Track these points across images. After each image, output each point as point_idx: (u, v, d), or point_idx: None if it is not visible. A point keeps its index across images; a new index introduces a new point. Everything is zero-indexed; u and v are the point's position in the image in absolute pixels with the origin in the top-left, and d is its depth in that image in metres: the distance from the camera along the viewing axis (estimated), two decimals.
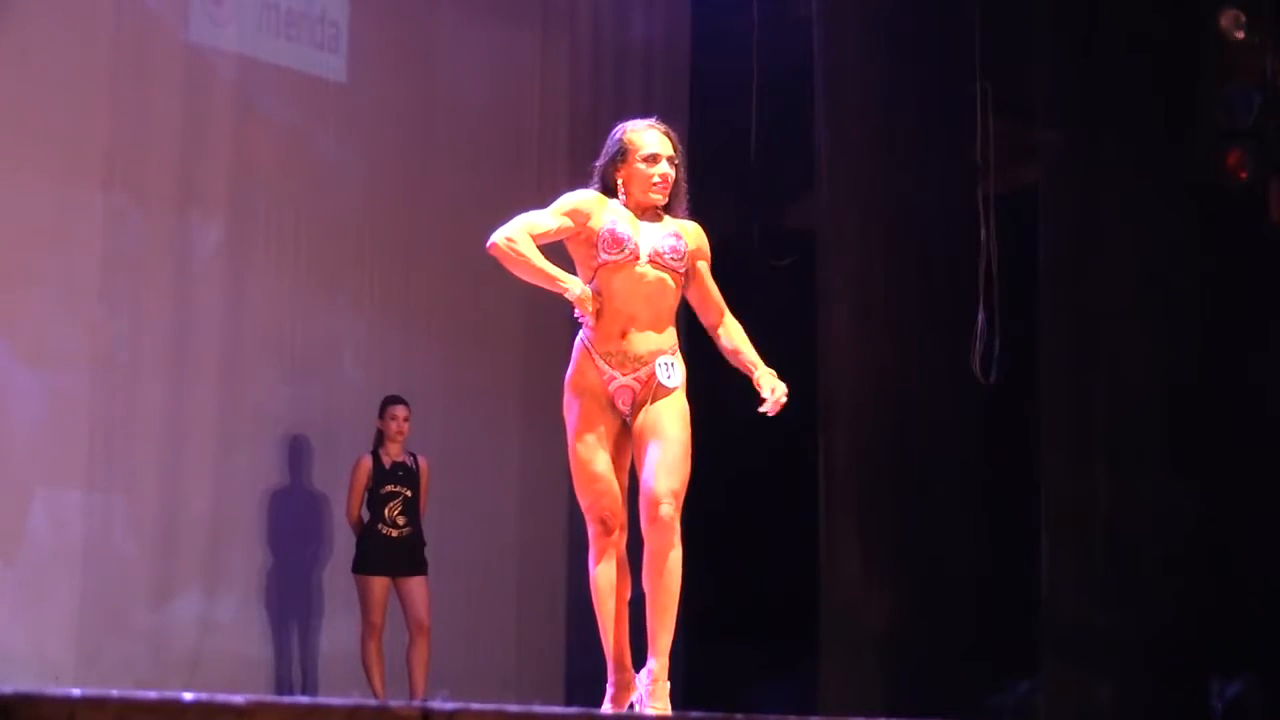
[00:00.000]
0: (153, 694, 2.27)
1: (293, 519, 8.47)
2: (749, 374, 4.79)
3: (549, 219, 4.71)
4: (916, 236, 8.82)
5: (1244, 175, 7.91)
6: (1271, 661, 7.85)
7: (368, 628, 7.83)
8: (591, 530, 4.67)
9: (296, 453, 8.50)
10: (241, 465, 8.26)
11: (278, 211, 8.55)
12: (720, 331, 4.85)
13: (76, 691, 2.20)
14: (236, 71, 8.46)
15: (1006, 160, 8.72)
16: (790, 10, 9.63)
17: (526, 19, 9.65)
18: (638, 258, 4.64)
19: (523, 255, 4.64)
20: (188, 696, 2.29)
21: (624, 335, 4.64)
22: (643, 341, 4.65)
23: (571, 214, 4.71)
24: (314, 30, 8.83)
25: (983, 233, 8.62)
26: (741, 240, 9.23)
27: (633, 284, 4.65)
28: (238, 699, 2.31)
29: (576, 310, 4.66)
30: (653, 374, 4.65)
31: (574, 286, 4.62)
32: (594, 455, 4.62)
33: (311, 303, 8.58)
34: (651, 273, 4.66)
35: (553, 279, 4.64)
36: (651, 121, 4.79)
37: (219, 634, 8.09)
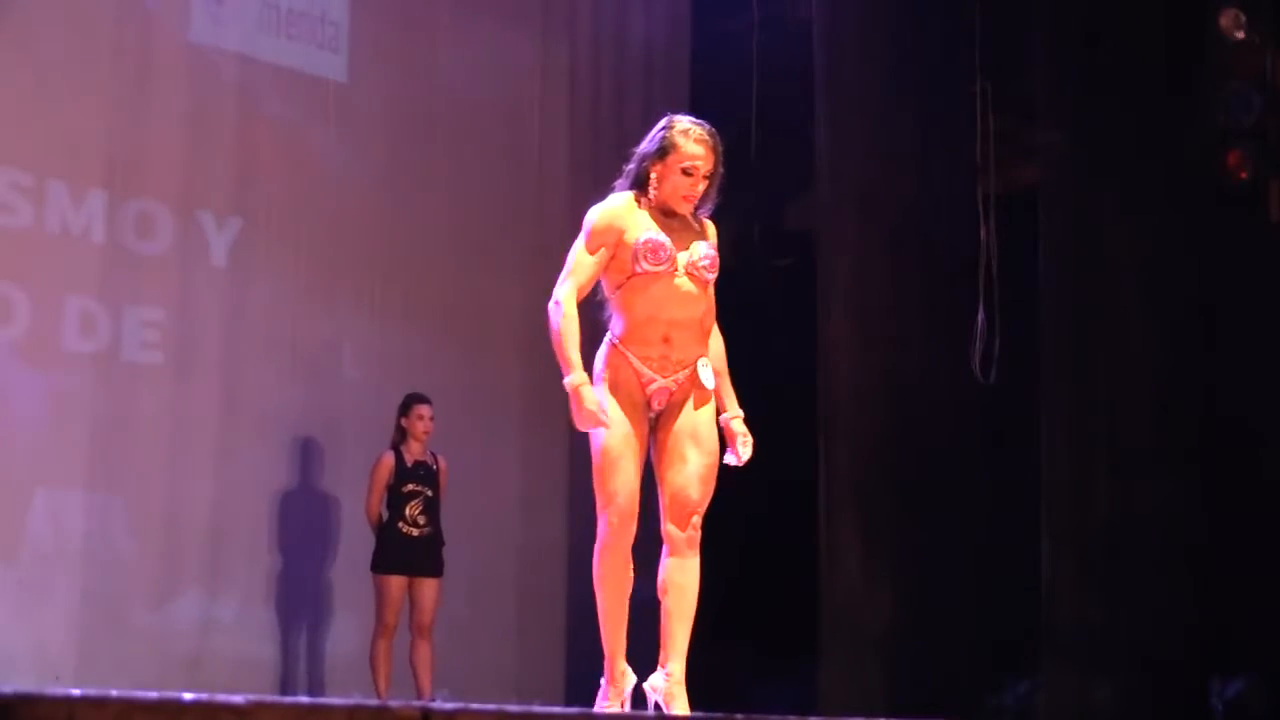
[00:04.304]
0: (153, 694, 2.27)
1: (293, 519, 8.47)
2: (721, 410, 4.79)
3: (590, 264, 4.65)
4: (916, 236, 8.82)
5: (1244, 175, 7.91)
6: (1271, 661, 7.85)
7: (380, 626, 7.80)
8: (605, 524, 4.63)
9: (297, 453, 8.50)
10: (242, 465, 8.26)
11: (278, 210, 8.56)
12: (707, 343, 4.84)
13: (76, 691, 2.20)
14: (237, 71, 8.47)
15: (1006, 160, 8.72)
16: (790, 10, 9.64)
17: (526, 19, 9.65)
18: (676, 270, 4.65)
19: (559, 334, 4.61)
20: (188, 696, 2.29)
21: (666, 340, 4.66)
22: (684, 345, 4.69)
23: (605, 236, 4.65)
24: (314, 30, 8.83)
25: (983, 233, 8.62)
26: (741, 240, 9.24)
27: (670, 292, 4.66)
28: (238, 699, 2.31)
29: (578, 411, 4.57)
30: (692, 375, 4.68)
31: (590, 405, 4.54)
32: (625, 452, 4.61)
33: (311, 302, 8.59)
34: (686, 283, 4.68)
35: (567, 369, 4.59)
36: (702, 132, 4.70)
37: (219, 634, 8.09)
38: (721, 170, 4.76)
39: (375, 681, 7.76)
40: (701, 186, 4.72)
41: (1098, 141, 8.27)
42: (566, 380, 4.58)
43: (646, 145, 4.75)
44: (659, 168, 4.70)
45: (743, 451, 4.77)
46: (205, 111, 8.32)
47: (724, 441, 4.78)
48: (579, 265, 4.68)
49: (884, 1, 8.94)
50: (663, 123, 4.77)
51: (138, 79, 8.10)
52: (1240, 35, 7.88)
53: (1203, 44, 8.05)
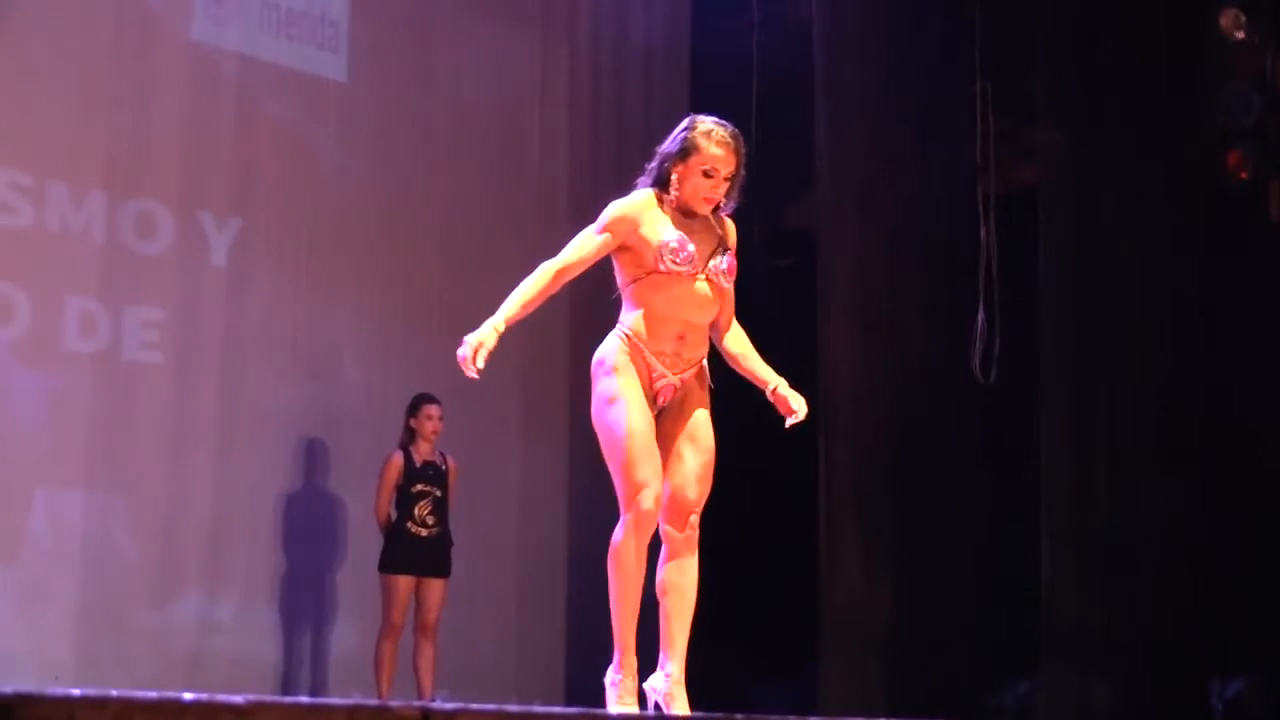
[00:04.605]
0: (153, 694, 2.27)
1: (293, 519, 8.47)
2: (763, 386, 4.81)
3: (592, 245, 4.66)
4: (916, 236, 8.82)
5: (1244, 175, 7.91)
6: (1271, 661, 7.85)
7: (387, 627, 7.79)
8: (637, 511, 4.55)
9: (297, 453, 8.50)
10: (242, 465, 8.26)
11: (278, 210, 8.56)
12: (728, 336, 4.86)
13: (76, 691, 2.20)
14: (237, 70, 8.47)
15: (1006, 160, 8.72)
16: (790, 10, 9.64)
17: (526, 19, 9.65)
18: (697, 273, 4.66)
19: (521, 285, 4.62)
20: (188, 696, 2.29)
21: (681, 338, 4.67)
22: (695, 345, 4.71)
23: (617, 226, 4.65)
24: (314, 30, 8.83)
25: (983, 233, 8.63)
26: (742, 240, 9.23)
27: (690, 295, 4.66)
28: (238, 699, 2.31)
29: (469, 344, 4.51)
30: (697, 373, 4.71)
31: (475, 338, 4.50)
32: (650, 439, 4.60)
33: (311, 302, 8.59)
34: (705, 287, 4.69)
35: (500, 313, 4.58)
36: (724, 134, 4.68)
37: (219, 634, 8.09)
38: (744, 172, 4.74)
39: (378, 681, 7.76)
40: (722, 189, 4.71)
41: (1098, 141, 8.27)
42: (490, 319, 4.54)
43: (669, 145, 4.73)
44: (680, 168, 4.68)
45: (799, 409, 4.76)
46: (205, 111, 8.32)
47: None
48: (580, 243, 4.68)
49: (884, 1, 8.94)
50: (685, 123, 4.75)
51: (138, 79, 8.10)
52: (1240, 35, 7.88)
53: (1203, 44, 8.05)
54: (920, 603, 8.50)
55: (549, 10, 9.80)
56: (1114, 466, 8.11)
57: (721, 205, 4.78)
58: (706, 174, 4.67)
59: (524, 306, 4.62)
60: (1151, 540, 7.98)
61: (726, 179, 4.70)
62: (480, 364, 4.51)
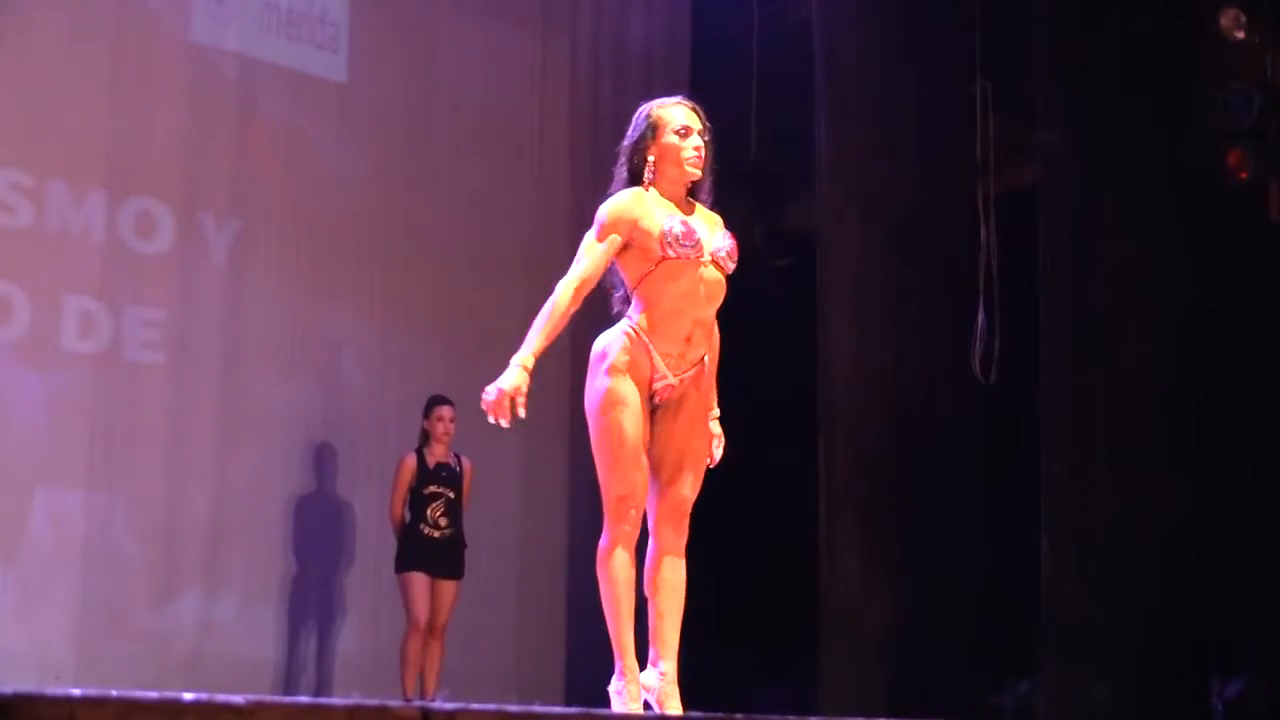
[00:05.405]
0: (153, 694, 2.28)
1: (293, 519, 8.47)
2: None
3: (598, 252, 4.58)
4: (916, 236, 8.82)
5: (1244, 175, 7.91)
6: (1271, 661, 7.85)
7: (411, 626, 7.81)
8: (617, 519, 4.55)
9: (297, 453, 8.50)
10: (242, 465, 8.26)
11: (278, 210, 8.56)
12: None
13: (76, 691, 2.21)
14: (237, 71, 8.47)
15: (1006, 160, 8.72)
16: (790, 10, 9.63)
17: (526, 19, 9.65)
18: (702, 256, 4.61)
19: (540, 314, 4.54)
20: (188, 696, 2.29)
21: (689, 340, 4.60)
22: (699, 345, 4.64)
23: (616, 226, 4.58)
24: (314, 30, 8.83)
25: (983, 233, 8.62)
26: (742, 240, 9.23)
27: (696, 285, 4.59)
28: (238, 699, 2.31)
29: (497, 390, 4.45)
30: (697, 374, 4.65)
31: (509, 380, 4.47)
32: (640, 445, 4.56)
33: (311, 302, 8.59)
34: (712, 273, 4.64)
35: (525, 348, 4.53)
36: (679, 99, 4.71)
37: (219, 634, 8.10)
38: (710, 139, 4.69)
39: (403, 677, 7.76)
40: (701, 143, 4.65)
41: (1098, 141, 8.27)
42: (516, 356, 4.49)
43: (633, 133, 4.71)
44: (654, 148, 4.65)
45: (715, 453, 4.74)
46: (205, 111, 8.33)
47: None
48: (585, 253, 4.61)
49: (884, 2, 8.94)
50: (639, 111, 4.74)
51: (138, 79, 8.11)
52: (1240, 35, 7.88)
53: (1203, 44, 8.04)
54: (920, 603, 8.50)
55: (549, 10, 9.80)
56: (1114, 466, 8.11)
57: (702, 179, 4.74)
58: (681, 133, 4.64)
59: (549, 335, 4.55)
60: (1151, 540, 7.98)
61: (701, 134, 4.66)
62: (521, 413, 4.44)
